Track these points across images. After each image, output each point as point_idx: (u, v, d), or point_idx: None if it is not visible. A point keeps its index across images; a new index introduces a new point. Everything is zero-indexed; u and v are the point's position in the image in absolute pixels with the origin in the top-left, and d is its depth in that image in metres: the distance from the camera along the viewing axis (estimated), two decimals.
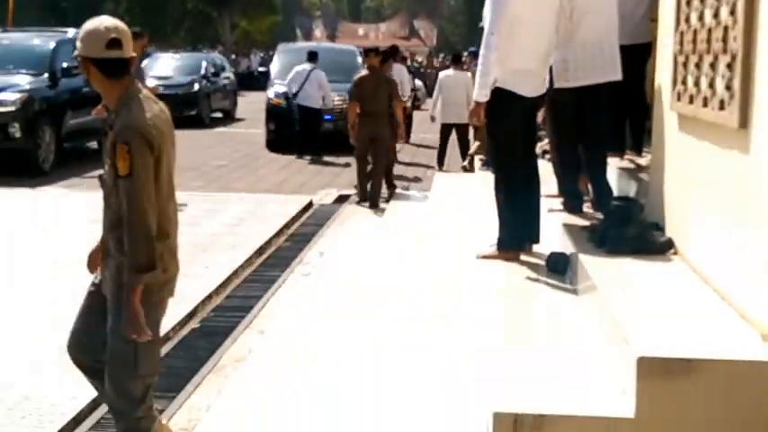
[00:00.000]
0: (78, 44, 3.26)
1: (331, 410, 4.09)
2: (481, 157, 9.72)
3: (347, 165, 13.75)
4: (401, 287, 6.01)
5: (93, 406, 4.42)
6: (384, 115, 10.25)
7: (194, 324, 5.88)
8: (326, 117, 15.51)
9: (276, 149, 15.95)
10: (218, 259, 7.38)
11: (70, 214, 9.04)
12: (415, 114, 18.50)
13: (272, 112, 16.40)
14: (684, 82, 4.18)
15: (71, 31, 14.92)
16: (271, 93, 16.77)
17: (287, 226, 9.02)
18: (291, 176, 13.17)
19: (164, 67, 21.80)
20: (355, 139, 10.51)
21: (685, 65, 4.19)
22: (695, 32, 4.01)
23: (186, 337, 5.62)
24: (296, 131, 15.38)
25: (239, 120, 22.80)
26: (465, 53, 16.36)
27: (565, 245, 4.97)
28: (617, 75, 5.47)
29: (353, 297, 6.03)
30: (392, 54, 12.95)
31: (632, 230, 4.33)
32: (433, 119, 13.49)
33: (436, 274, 5.91)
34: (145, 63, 21.45)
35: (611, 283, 3.90)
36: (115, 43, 3.20)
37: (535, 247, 5.19)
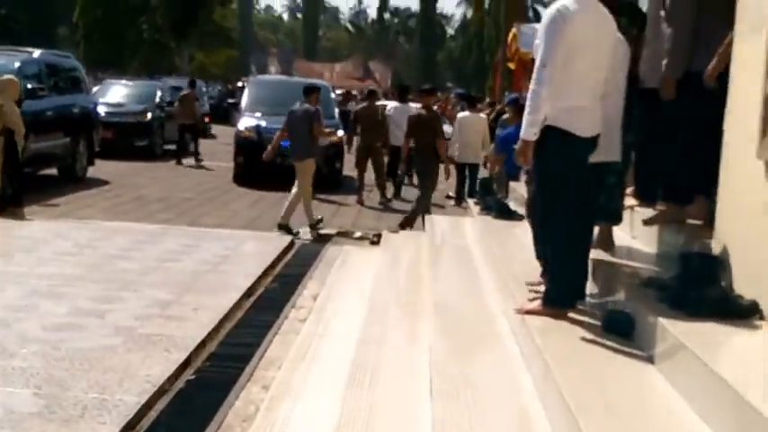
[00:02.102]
0: None
1: None
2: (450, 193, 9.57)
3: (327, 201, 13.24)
4: (400, 339, 5.57)
5: None
6: (432, 150, 11.33)
7: (190, 375, 5.25)
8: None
9: (244, 184, 15.30)
10: (205, 301, 6.74)
11: (28, 244, 8.33)
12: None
13: (243, 144, 15.64)
14: None
15: (36, 52, 14.21)
16: (241, 125, 16.08)
17: (272, 266, 8.43)
18: (265, 212, 12.53)
19: (115, 94, 20.81)
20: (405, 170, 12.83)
21: None
22: None
23: (183, 390, 4.99)
24: (266, 165, 14.68)
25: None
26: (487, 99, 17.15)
27: (620, 303, 4.49)
28: (617, 155, 5.09)
29: (353, 345, 5.52)
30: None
31: (716, 292, 3.85)
32: (452, 159, 13.39)
33: (455, 321, 5.38)
34: (96, 90, 20.53)
35: (707, 350, 3.40)
36: None
37: (579, 304, 4.70)
